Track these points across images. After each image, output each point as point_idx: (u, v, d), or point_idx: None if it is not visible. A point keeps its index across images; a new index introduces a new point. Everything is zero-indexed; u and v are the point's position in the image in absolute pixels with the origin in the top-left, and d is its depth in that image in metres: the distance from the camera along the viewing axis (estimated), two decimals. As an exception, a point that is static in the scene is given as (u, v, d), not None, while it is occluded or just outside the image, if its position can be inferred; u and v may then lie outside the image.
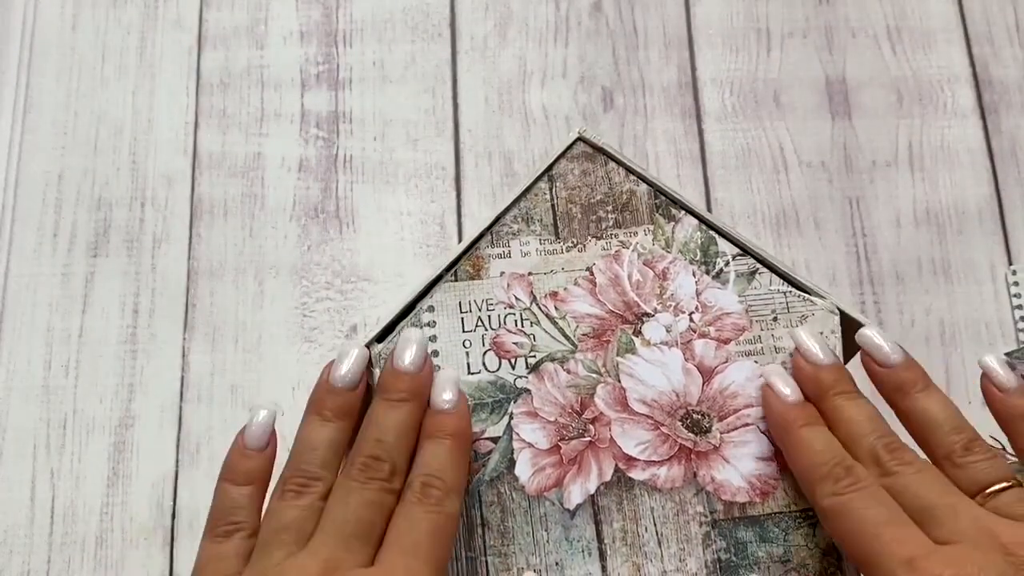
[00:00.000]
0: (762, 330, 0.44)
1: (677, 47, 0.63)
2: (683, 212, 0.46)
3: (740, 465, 0.43)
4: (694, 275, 0.45)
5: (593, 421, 0.43)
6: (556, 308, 0.45)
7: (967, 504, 0.39)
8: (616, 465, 0.43)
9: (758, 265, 0.45)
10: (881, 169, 0.61)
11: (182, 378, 0.56)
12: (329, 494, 0.39)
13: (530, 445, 0.43)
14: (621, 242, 0.46)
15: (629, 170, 0.47)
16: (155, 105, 0.61)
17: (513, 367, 0.44)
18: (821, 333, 0.44)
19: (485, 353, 0.44)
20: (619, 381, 0.44)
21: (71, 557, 0.53)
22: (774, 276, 0.45)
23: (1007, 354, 0.57)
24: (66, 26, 0.63)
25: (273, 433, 0.41)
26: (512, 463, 0.43)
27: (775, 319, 0.44)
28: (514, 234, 0.46)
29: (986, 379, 0.43)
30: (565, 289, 0.45)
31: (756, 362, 0.44)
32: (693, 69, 0.63)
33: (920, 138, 0.62)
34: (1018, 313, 0.58)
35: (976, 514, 0.39)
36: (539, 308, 0.45)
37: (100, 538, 0.53)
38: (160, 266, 0.58)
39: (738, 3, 0.64)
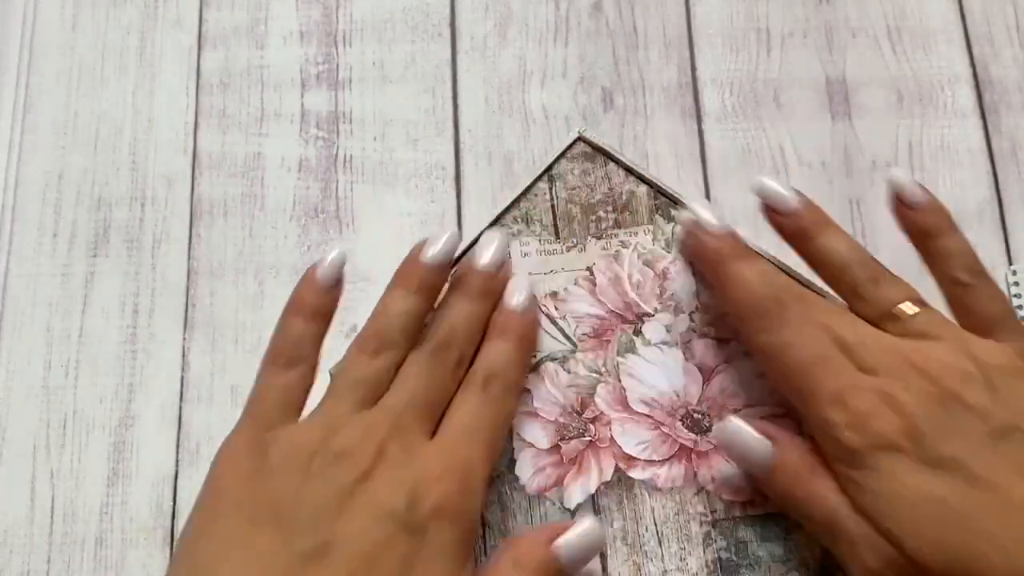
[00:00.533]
0: None
1: (677, 47, 0.63)
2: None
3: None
4: (694, 275, 0.45)
5: (593, 421, 0.43)
6: (556, 308, 0.45)
7: (878, 334, 0.40)
8: (616, 465, 0.43)
9: None
10: (881, 169, 0.61)
11: (182, 378, 0.56)
12: (402, 363, 0.40)
13: (530, 445, 0.43)
14: (621, 242, 0.46)
15: (629, 170, 0.47)
16: (155, 105, 0.61)
17: None
18: None
19: None
20: (619, 381, 0.44)
21: (71, 557, 0.53)
22: None
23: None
24: (66, 26, 0.63)
25: (342, 275, 0.42)
26: (512, 463, 0.43)
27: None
28: (514, 235, 0.46)
29: (897, 198, 0.43)
30: (565, 289, 0.45)
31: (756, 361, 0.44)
32: (693, 69, 0.63)
33: (920, 138, 0.62)
34: (1018, 313, 0.58)
35: (888, 342, 0.39)
36: (539, 308, 0.45)
37: (100, 538, 0.53)
38: (160, 266, 0.58)
39: (738, 3, 0.64)
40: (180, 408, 0.56)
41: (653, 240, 0.45)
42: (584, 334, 0.44)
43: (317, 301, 0.41)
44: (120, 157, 0.60)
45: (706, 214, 0.43)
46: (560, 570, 0.38)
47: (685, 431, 0.43)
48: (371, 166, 0.61)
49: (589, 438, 0.43)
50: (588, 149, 0.47)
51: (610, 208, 0.46)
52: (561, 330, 0.44)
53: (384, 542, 0.36)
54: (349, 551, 0.36)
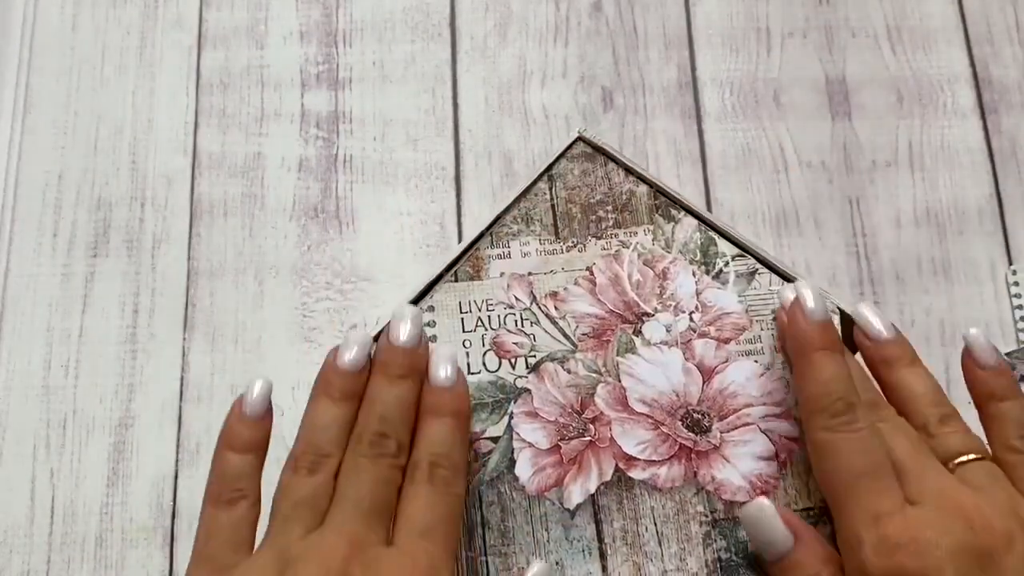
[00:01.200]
0: (762, 329, 0.44)
1: (677, 47, 0.63)
2: (683, 212, 0.46)
3: (740, 464, 0.43)
4: (694, 275, 0.45)
5: (593, 420, 0.43)
6: (556, 308, 0.45)
7: (938, 469, 0.40)
8: (616, 464, 0.43)
9: (758, 265, 0.45)
10: (881, 169, 0.61)
11: (182, 378, 0.56)
12: (339, 472, 0.40)
13: (530, 445, 0.43)
14: (621, 242, 0.46)
15: (629, 170, 0.47)
16: (155, 105, 0.62)
17: (513, 367, 0.44)
18: None
19: (485, 353, 0.44)
20: (619, 381, 0.44)
21: (71, 557, 0.53)
22: (774, 276, 0.45)
23: (1007, 354, 0.57)
24: (66, 26, 0.63)
25: (270, 403, 0.41)
26: (512, 463, 0.43)
27: (775, 318, 0.44)
28: (514, 235, 0.46)
29: (968, 356, 0.43)
30: (565, 289, 0.45)
31: (756, 361, 0.44)
32: (693, 69, 0.63)
33: (920, 138, 0.62)
34: (1018, 313, 0.58)
35: (943, 481, 0.39)
36: (539, 308, 0.45)
37: (100, 538, 0.53)
38: (160, 266, 0.58)
39: (738, 3, 0.64)
40: (180, 408, 0.56)
41: (653, 240, 0.45)
42: (583, 334, 0.44)
43: (249, 434, 0.40)
44: (120, 157, 0.60)
45: (809, 299, 0.42)
46: None
47: (685, 431, 0.43)
48: (371, 166, 0.61)
49: (589, 438, 0.43)
50: (588, 149, 0.47)
51: (610, 208, 0.46)
52: (561, 330, 0.44)
53: None
54: None
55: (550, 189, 0.47)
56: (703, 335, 0.44)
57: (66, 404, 0.56)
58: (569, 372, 0.44)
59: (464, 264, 0.45)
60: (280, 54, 0.63)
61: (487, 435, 0.43)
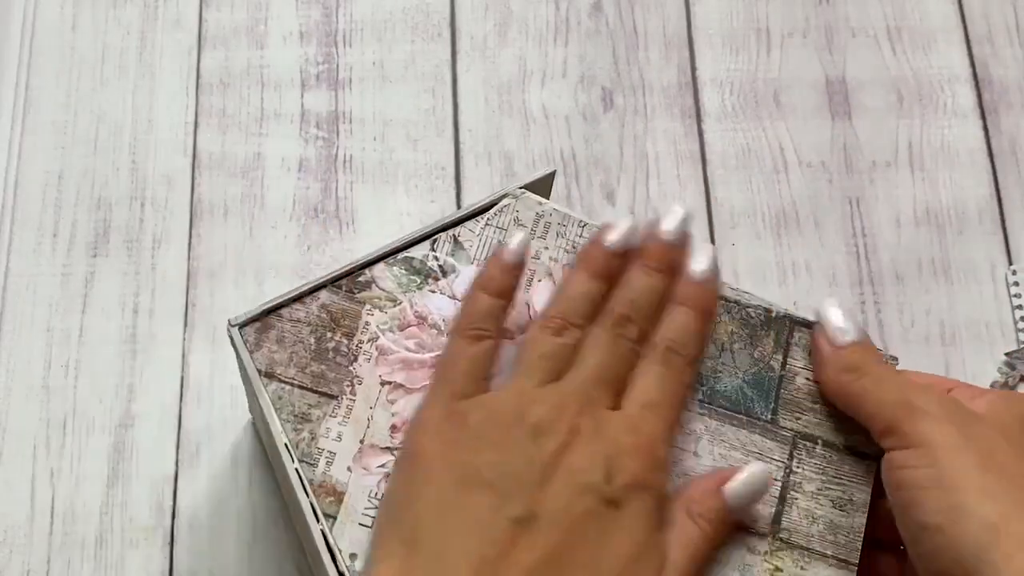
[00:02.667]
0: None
1: (677, 47, 0.63)
2: None
3: None
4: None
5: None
6: None
7: None
8: None
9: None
10: (881, 169, 0.61)
11: (182, 378, 0.56)
12: (580, 341, 0.41)
13: None
14: None
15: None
16: (155, 105, 0.61)
17: None
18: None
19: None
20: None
21: (71, 557, 0.53)
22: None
23: (1007, 354, 0.57)
24: (66, 26, 0.63)
25: (524, 258, 0.43)
26: None
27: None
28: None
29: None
30: None
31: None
32: (693, 69, 0.63)
33: (920, 138, 0.62)
34: (1018, 313, 0.58)
35: None
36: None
37: (100, 538, 0.53)
38: (160, 266, 0.58)
39: (738, 3, 0.64)
40: (180, 408, 0.56)
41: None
42: None
43: (505, 280, 0.42)
44: (120, 157, 0.60)
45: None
46: (732, 513, 0.41)
47: None
48: (371, 166, 0.61)
49: None
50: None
51: None
52: None
53: (585, 513, 0.38)
54: (554, 521, 0.37)
55: None
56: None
57: (66, 404, 0.56)
58: None
59: None
60: (280, 54, 0.63)
61: None
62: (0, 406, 0.55)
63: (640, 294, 0.42)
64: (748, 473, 0.41)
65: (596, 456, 0.39)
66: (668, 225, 0.43)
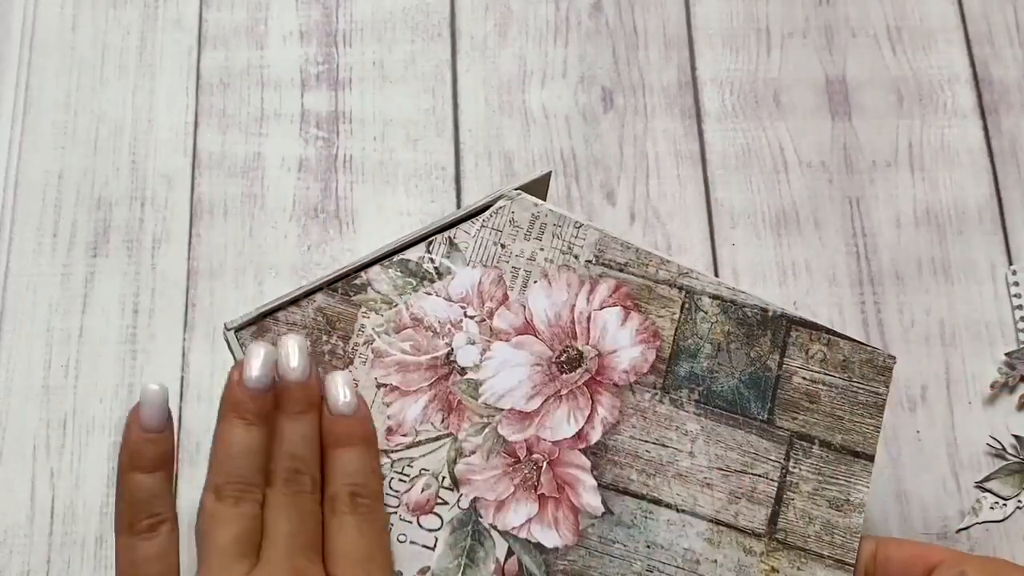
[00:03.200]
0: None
1: (677, 47, 0.63)
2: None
3: None
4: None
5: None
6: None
7: None
8: None
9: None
10: (881, 169, 0.61)
11: (182, 378, 0.56)
12: (264, 504, 0.39)
13: None
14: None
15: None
16: (155, 105, 0.62)
17: None
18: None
19: None
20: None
21: (71, 557, 0.53)
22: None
23: (1007, 354, 0.57)
24: (66, 26, 0.63)
25: (169, 412, 0.40)
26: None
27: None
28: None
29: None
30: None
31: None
32: (693, 69, 0.63)
33: (920, 138, 0.62)
34: (1018, 313, 0.58)
35: None
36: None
37: (100, 538, 0.53)
38: (160, 266, 0.58)
39: (738, 3, 0.64)
40: (180, 408, 0.56)
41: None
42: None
43: (154, 450, 0.39)
44: (120, 157, 0.60)
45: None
46: None
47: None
48: (371, 166, 0.61)
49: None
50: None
51: None
52: None
53: None
54: None
55: None
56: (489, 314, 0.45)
57: (66, 404, 0.56)
58: None
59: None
60: (280, 54, 0.63)
61: None
62: (0, 406, 0.55)
63: (297, 444, 0.40)
64: None
65: None
66: (292, 363, 0.41)
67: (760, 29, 0.64)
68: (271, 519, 0.39)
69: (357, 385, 0.43)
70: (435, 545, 0.42)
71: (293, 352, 0.41)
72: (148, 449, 0.39)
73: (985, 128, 0.62)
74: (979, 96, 0.62)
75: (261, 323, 0.44)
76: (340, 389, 0.41)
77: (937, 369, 0.57)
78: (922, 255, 0.59)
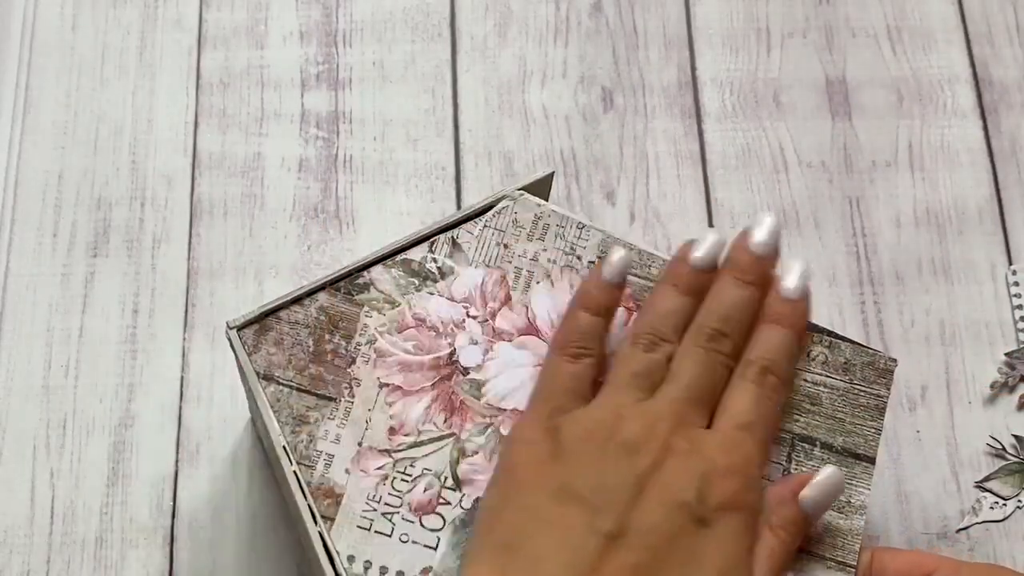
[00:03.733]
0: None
1: (677, 47, 0.63)
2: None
3: None
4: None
5: None
6: None
7: None
8: None
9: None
10: (881, 169, 0.61)
11: (182, 378, 0.56)
12: (672, 357, 0.42)
13: None
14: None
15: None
16: (155, 105, 0.61)
17: None
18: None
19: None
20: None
21: (71, 557, 0.53)
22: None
23: (1007, 354, 0.57)
24: (66, 26, 0.63)
25: (626, 275, 0.43)
26: None
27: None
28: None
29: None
30: None
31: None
32: (693, 69, 0.63)
33: (920, 138, 0.62)
34: (1018, 313, 0.58)
35: None
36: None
37: (100, 538, 0.53)
38: (160, 266, 0.58)
39: (738, 3, 0.64)
40: (180, 408, 0.56)
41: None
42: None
43: (605, 298, 0.42)
44: (120, 157, 0.60)
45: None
46: (808, 520, 0.41)
47: None
48: (371, 166, 0.61)
49: None
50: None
51: None
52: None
53: (677, 531, 0.38)
54: (645, 538, 0.38)
55: None
56: (493, 314, 0.45)
57: (66, 404, 0.56)
58: None
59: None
60: (280, 54, 0.63)
61: None
62: (0, 406, 0.55)
63: (732, 308, 0.42)
64: (823, 477, 0.41)
65: (690, 475, 0.39)
66: (759, 236, 0.43)
67: (760, 29, 0.64)
68: (676, 365, 0.41)
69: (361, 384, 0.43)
70: (437, 545, 0.42)
71: (766, 223, 0.43)
72: (599, 296, 0.42)
73: (985, 128, 0.62)
74: (979, 96, 0.63)
75: (263, 322, 0.44)
76: (796, 272, 0.43)
77: (937, 369, 0.57)
78: (922, 255, 0.59)
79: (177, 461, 0.55)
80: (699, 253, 0.43)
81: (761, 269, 0.43)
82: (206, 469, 0.55)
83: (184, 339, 0.57)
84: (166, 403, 0.56)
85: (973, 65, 0.63)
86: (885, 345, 0.57)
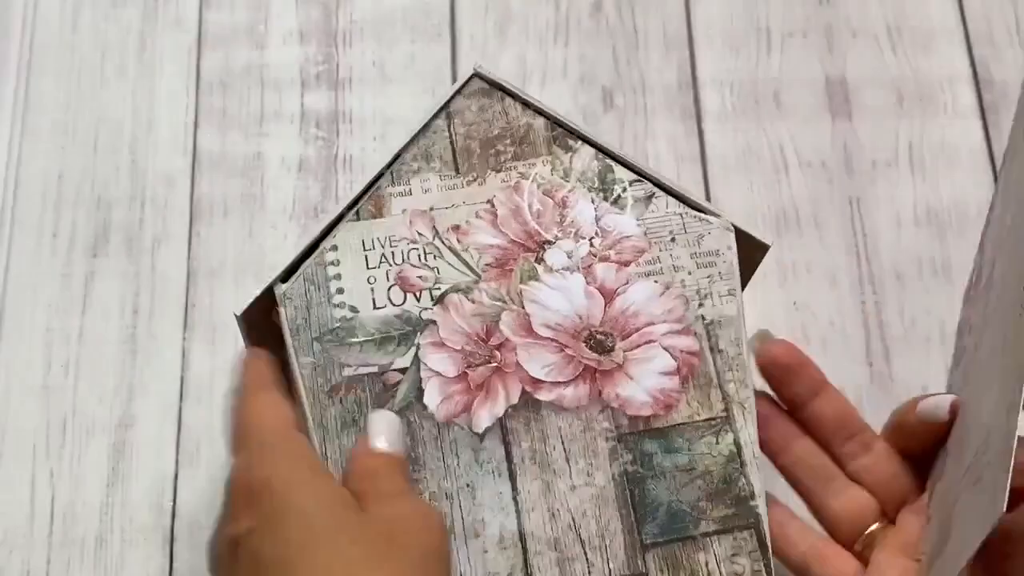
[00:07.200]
0: (660, 251, 0.45)
1: (677, 47, 0.63)
2: (580, 142, 0.47)
3: (643, 380, 0.44)
4: (592, 202, 0.46)
5: (499, 347, 0.44)
6: (458, 240, 0.46)
7: None
8: (523, 388, 0.44)
9: (655, 189, 0.46)
10: (881, 169, 0.61)
11: (182, 378, 0.56)
12: None
13: (438, 374, 0.44)
14: (520, 174, 0.46)
15: (526, 104, 0.47)
16: (155, 105, 0.62)
17: (418, 300, 0.45)
18: (718, 251, 0.45)
19: (390, 288, 0.45)
20: (523, 307, 0.45)
21: (71, 557, 0.53)
22: (671, 199, 0.46)
23: (1007, 354, 0.57)
24: (66, 26, 0.63)
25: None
26: (420, 392, 0.44)
27: (673, 239, 0.45)
28: (414, 172, 0.47)
29: None
30: (467, 222, 0.46)
31: (656, 282, 0.45)
32: (693, 69, 0.63)
33: (920, 138, 0.62)
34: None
35: None
36: (442, 242, 0.45)
37: (100, 538, 0.53)
38: (160, 266, 0.58)
39: (738, 3, 0.64)
40: (180, 408, 0.56)
41: (551, 170, 0.46)
42: (487, 264, 0.45)
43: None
44: (120, 157, 0.60)
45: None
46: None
47: (589, 352, 0.44)
48: (371, 166, 0.60)
49: (495, 364, 0.44)
50: (485, 85, 0.48)
51: (508, 141, 0.47)
52: (464, 262, 0.45)
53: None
54: None
55: (448, 127, 0.48)
56: (604, 259, 0.45)
57: (66, 404, 0.56)
58: (473, 302, 0.45)
59: (366, 204, 0.46)
60: (280, 54, 0.63)
61: (395, 367, 0.44)
62: (0, 406, 0.55)
63: None
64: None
65: None
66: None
67: (760, 29, 0.64)
68: None
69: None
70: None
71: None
72: None
73: (985, 128, 0.62)
74: (979, 96, 0.63)
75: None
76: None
77: (937, 369, 0.57)
78: (922, 255, 0.59)
79: (177, 461, 0.55)
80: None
81: None
82: (206, 469, 0.55)
83: (184, 339, 0.57)
84: (166, 403, 0.56)
85: (973, 65, 0.63)
86: (886, 347, 0.57)
